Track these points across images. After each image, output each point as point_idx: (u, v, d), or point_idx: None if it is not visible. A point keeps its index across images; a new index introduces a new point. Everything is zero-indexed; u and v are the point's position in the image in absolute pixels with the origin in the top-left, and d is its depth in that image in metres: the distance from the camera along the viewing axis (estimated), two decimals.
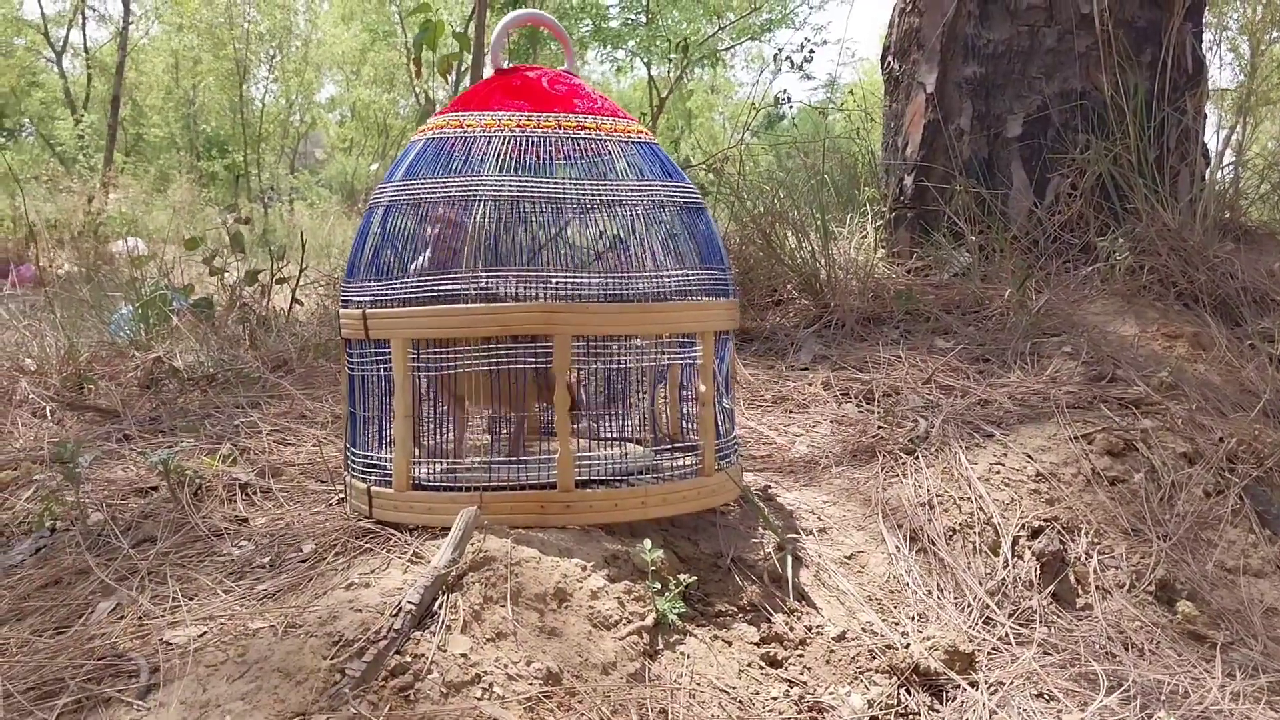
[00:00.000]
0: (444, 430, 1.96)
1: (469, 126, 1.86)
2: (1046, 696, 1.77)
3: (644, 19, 15.54)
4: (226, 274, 3.97)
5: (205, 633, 1.56)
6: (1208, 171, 3.89)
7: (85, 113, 20.97)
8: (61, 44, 22.63)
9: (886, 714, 1.67)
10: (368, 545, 1.78)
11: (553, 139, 1.85)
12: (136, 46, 22.29)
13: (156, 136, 22.81)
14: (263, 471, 2.18)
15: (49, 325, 3.48)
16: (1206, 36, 4.01)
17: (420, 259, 1.80)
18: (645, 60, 15.78)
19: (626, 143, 1.90)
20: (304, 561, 1.77)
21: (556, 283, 1.75)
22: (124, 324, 3.66)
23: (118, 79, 19.99)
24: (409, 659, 1.45)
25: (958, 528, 2.16)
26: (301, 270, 3.95)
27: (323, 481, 2.15)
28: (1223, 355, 2.98)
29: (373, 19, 21.99)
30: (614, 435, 2.07)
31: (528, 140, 1.83)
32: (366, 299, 1.83)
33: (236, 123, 21.81)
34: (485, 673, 1.46)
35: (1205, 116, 3.94)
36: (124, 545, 1.87)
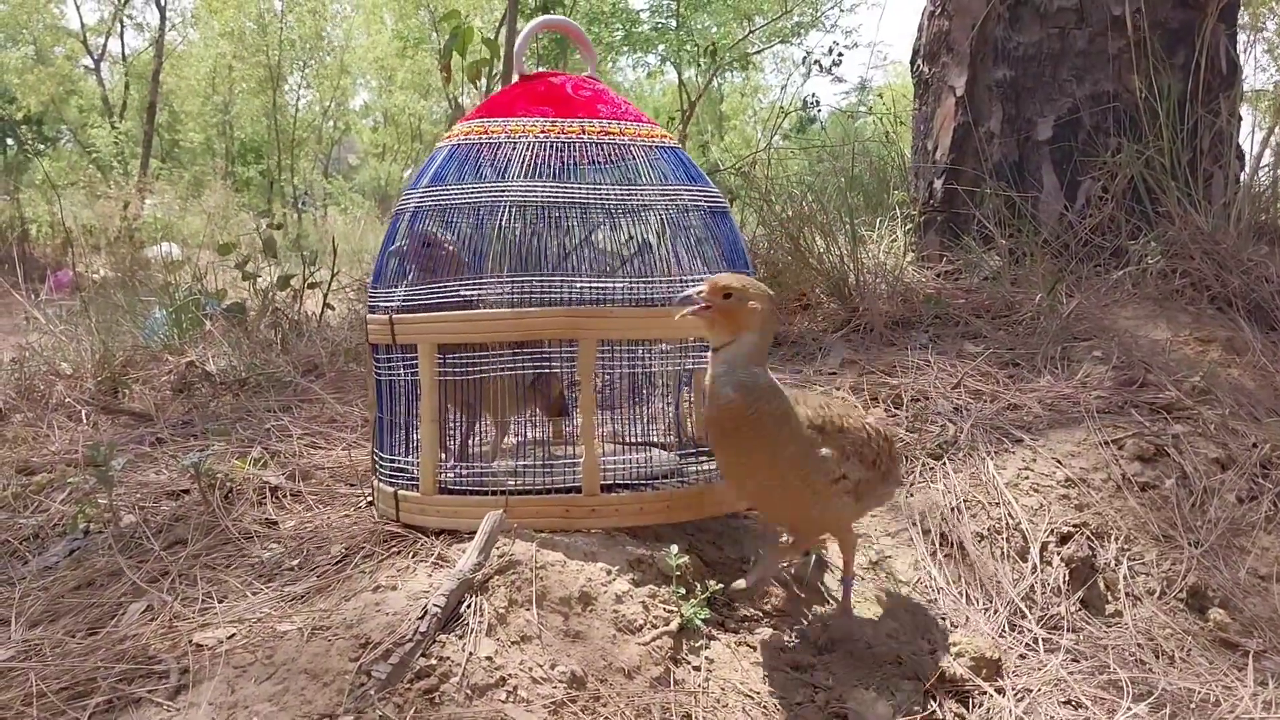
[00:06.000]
0: (474, 435, 1.97)
1: (494, 132, 1.87)
2: (1074, 704, 1.76)
3: (674, 23, 15.54)
4: (259, 279, 4.00)
5: (234, 634, 1.58)
6: (1242, 174, 3.85)
7: (122, 120, 21.23)
8: (100, 52, 22.92)
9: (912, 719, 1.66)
10: (395, 548, 1.80)
11: (577, 144, 1.86)
12: (174, 54, 22.55)
13: (193, 142, 23.06)
14: (293, 475, 2.20)
15: (84, 330, 3.53)
16: (1241, 38, 3.97)
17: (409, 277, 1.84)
18: (675, 64, 15.78)
19: (650, 147, 1.91)
20: (332, 564, 1.78)
21: (581, 287, 1.76)
22: (158, 328, 3.70)
23: (153, 86, 20.22)
24: (434, 661, 1.46)
25: (985, 533, 2.15)
26: (333, 275, 3.98)
27: (352, 485, 2.17)
28: (1257, 360, 2.94)
29: (409, 25, 22.13)
30: (639, 439, 2.07)
31: (552, 146, 1.84)
32: (393, 304, 1.85)
33: (270, 129, 22.01)
34: (510, 676, 1.47)
35: (1240, 119, 3.90)
36: (155, 547, 1.89)
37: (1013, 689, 1.75)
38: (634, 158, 1.88)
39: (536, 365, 1.81)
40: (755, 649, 1.71)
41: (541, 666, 1.50)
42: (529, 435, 2.03)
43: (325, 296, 3.92)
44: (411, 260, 1.83)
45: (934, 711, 1.69)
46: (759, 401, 1.59)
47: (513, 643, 1.53)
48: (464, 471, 1.86)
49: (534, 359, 1.80)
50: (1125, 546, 2.18)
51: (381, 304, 1.88)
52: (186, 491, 2.16)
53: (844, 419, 1.68)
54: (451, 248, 1.81)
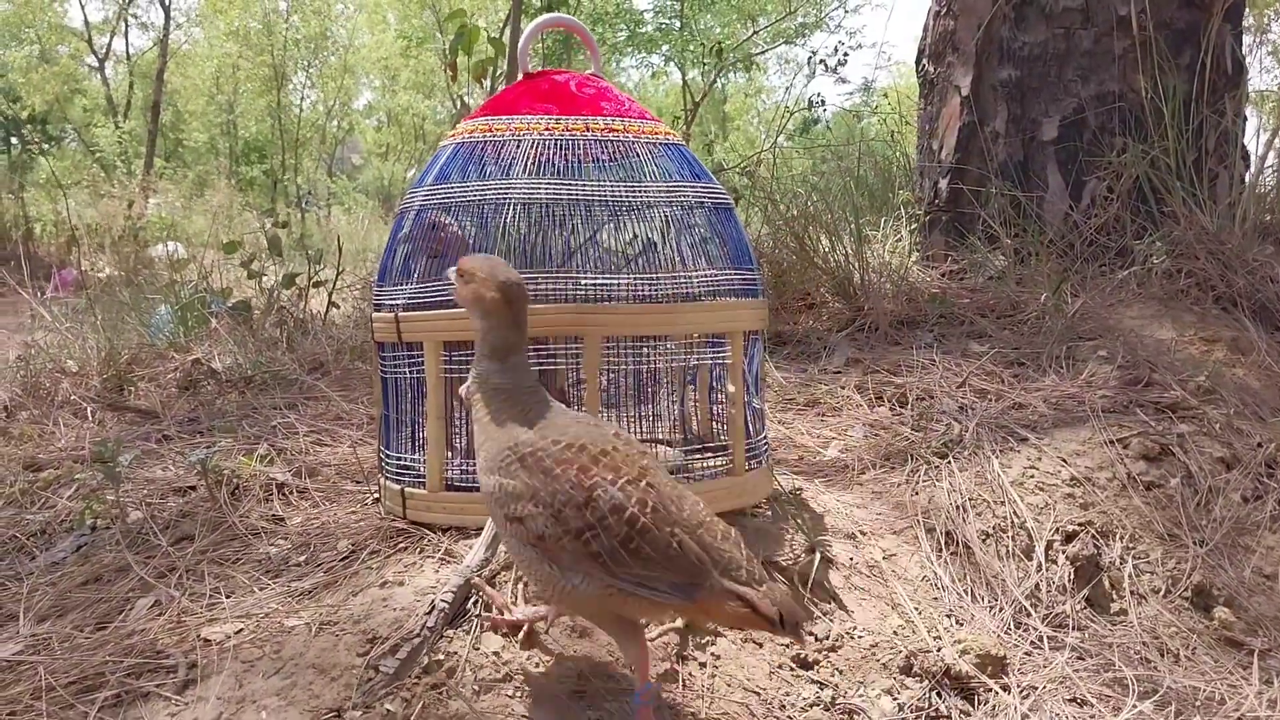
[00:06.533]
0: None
1: (498, 130, 1.88)
2: (1079, 701, 1.76)
3: (678, 24, 15.57)
4: (264, 278, 4.01)
5: (242, 629, 1.58)
6: (1247, 174, 3.85)
7: (126, 119, 21.27)
8: (104, 51, 22.96)
9: (918, 716, 1.66)
10: (402, 544, 1.80)
11: (581, 142, 1.86)
12: (178, 53, 22.60)
13: (197, 141, 23.11)
14: (299, 471, 2.20)
15: (90, 328, 3.53)
16: (1246, 39, 3.97)
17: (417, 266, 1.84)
18: (679, 64, 15.81)
19: (655, 144, 1.91)
20: (339, 560, 1.79)
21: (586, 284, 1.76)
22: (163, 326, 3.71)
23: (157, 85, 20.26)
24: (442, 657, 1.47)
25: (991, 532, 2.15)
26: (338, 274, 3.99)
27: (358, 482, 2.18)
28: (1262, 360, 2.94)
29: (412, 25, 22.18)
30: (645, 436, 2.07)
31: (556, 143, 1.85)
32: (399, 302, 1.85)
33: (275, 128, 22.05)
34: (516, 671, 1.47)
35: (1245, 119, 3.90)
36: (163, 543, 1.90)
37: (1018, 686, 1.75)
38: (638, 155, 1.88)
39: (541, 362, 1.81)
40: (761, 646, 1.71)
41: (549, 662, 1.51)
42: None
43: (330, 295, 3.93)
44: (420, 246, 1.83)
45: (939, 708, 1.69)
46: (476, 402, 1.45)
47: (520, 638, 1.54)
48: (470, 468, 1.87)
49: (539, 356, 1.80)
50: (1130, 545, 2.18)
51: (387, 302, 1.89)
52: (193, 488, 2.16)
53: (564, 465, 1.35)
54: (457, 229, 1.81)
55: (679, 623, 1.67)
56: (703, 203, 1.89)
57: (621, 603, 1.36)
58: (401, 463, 1.90)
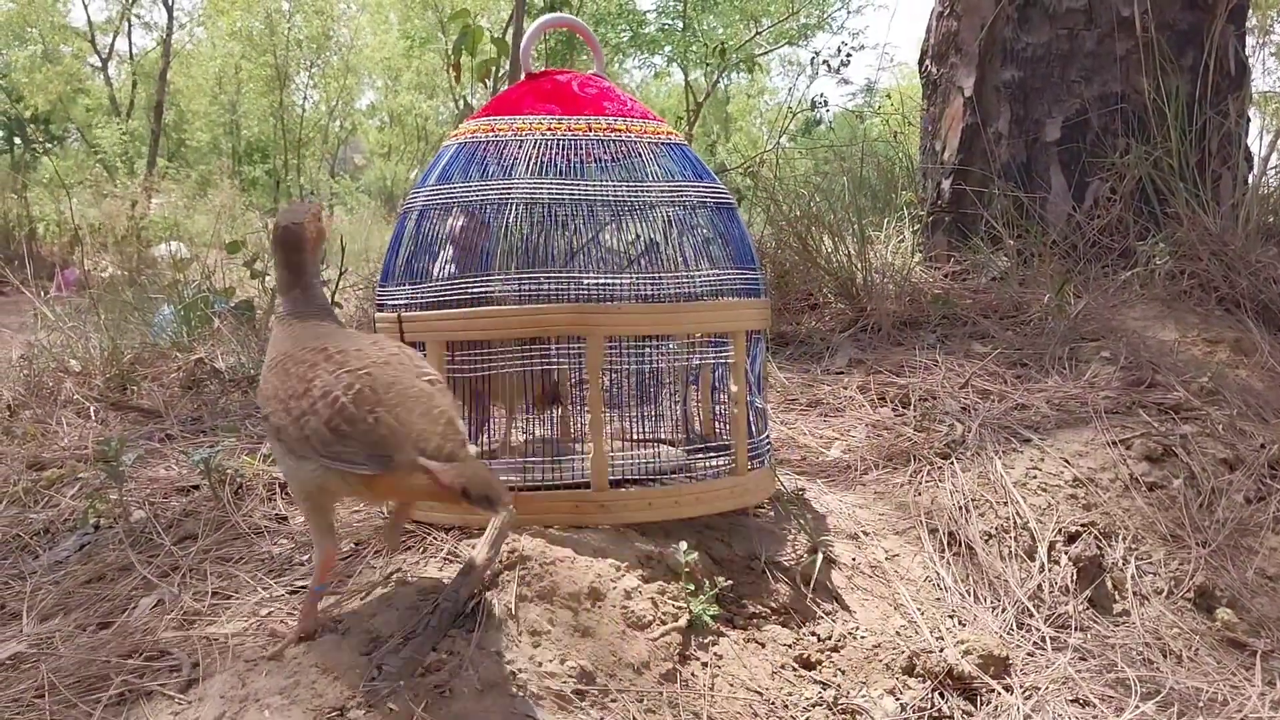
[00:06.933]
0: (483, 432, 1.97)
1: (500, 131, 1.88)
2: (1082, 702, 1.76)
3: (680, 24, 15.57)
4: (267, 277, 4.01)
5: (245, 628, 1.58)
6: (1251, 175, 3.85)
7: (129, 119, 21.32)
8: (107, 51, 23.01)
9: (920, 717, 1.66)
10: (405, 543, 1.80)
11: (583, 142, 1.86)
12: (181, 53, 22.65)
13: (199, 141, 23.14)
14: None
15: (93, 327, 3.53)
16: (1250, 40, 3.97)
17: (444, 258, 1.82)
18: (681, 65, 15.82)
19: (657, 144, 1.91)
20: (342, 559, 1.79)
21: (589, 284, 1.76)
22: (166, 326, 3.71)
23: (161, 85, 20.31)
24: (445, 656, 1.47)
25: (993, 533, 2.15)
26: (341, 274, 3.99)
27: None
28: (1265, 361, 2.94)
29: (415, 25, 22.20)
30: (647, 436, 2.07)
31: (559, 143, 1.85)
32: (401, 302, 1.85)
33: (277, 128, 22.08)
34: (520, 671, 1.47)
35: (1248, 120, 3.90)
36: (166, 542, 1.90)
37: (1021, 687, 1.75)
38: (641, 155, 1.88)
39: (544, 362, 1.82)
40: (764, 646, 1.72)
41: (551, 662, 1.51)
42: (536, 432, 2.04)
43: (333, 295, 3.93)
44: (456, 243, 1.81)
45: (941, 708, 1.69)
46: (273, 328, 1.64)
47: (523, 638, 1.54)
48: None
49: (541, 356, 1.80)
50: (1133, 546, 2.18)
51: (390, 302, 1.89)
52: (196, 487, 2.16)
53: (300, 365, 1.49)
54: (477, 215, 1.80)
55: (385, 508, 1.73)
56: (705, 203, 1.89)
57: (335, 481, 1.47)
58: None
